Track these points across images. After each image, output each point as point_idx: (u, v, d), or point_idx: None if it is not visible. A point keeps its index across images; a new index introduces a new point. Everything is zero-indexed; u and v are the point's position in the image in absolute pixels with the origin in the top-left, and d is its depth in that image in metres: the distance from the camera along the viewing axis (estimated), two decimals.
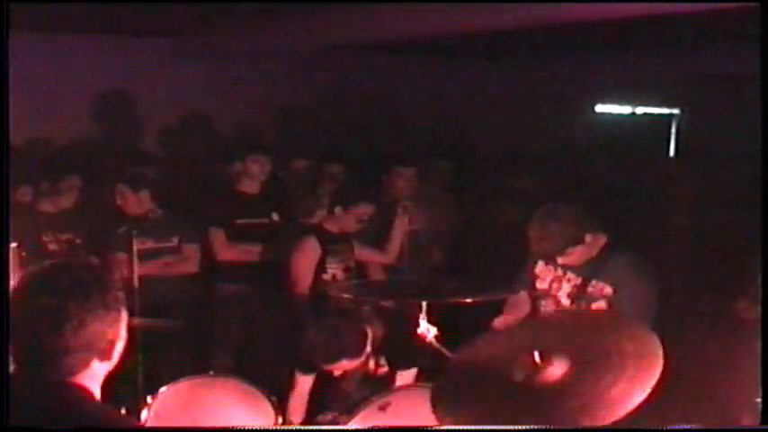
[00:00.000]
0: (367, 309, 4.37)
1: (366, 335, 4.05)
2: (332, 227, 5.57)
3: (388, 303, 5.76)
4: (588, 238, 4.09)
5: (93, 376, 2.26)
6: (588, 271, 4.13)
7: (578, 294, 4.14)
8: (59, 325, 2.15)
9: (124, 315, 2.31)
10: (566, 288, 4.24)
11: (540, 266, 4.35)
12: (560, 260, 4.17)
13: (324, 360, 4.04)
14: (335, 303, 4.55)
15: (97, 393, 2.26)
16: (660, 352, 2.69)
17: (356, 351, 4.01)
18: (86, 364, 2.22)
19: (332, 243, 5.50)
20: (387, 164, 6.61)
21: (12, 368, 2.22)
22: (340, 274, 5.49)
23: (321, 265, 5.44)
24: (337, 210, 5.56)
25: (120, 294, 2.29)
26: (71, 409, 2.18)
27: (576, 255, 4.11)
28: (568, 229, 4.03)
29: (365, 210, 5.59)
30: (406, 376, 4.32)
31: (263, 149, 6.28)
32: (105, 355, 2.25)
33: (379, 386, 4.18)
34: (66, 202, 5.81)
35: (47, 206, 5.78)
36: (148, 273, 5.55)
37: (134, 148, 7.89)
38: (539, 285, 4.36)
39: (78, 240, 5.76)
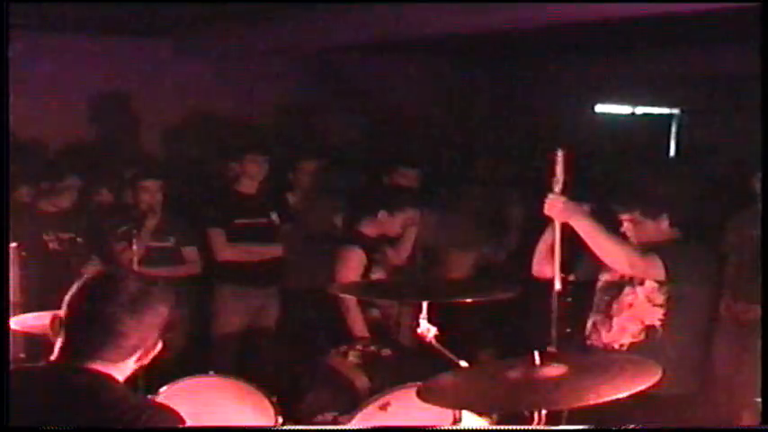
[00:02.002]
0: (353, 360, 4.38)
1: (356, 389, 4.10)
2: (371, 231, 5.46)
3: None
4: (665, 221, 4.07)
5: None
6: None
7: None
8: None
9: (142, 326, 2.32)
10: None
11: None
12: (626, 219, 4.11)
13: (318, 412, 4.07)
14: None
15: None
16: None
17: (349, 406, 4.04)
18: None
19: (375, 250, 5.40)
20: (389, 165, 6.60)
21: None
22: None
23: (366, 273, 5.30)
24: (382, 214, 5.45)
25: (161, 308, 2.36)
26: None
27: (641, 229, 4.06)
28: None
29: (411, 214, 5.53)
30: None
31: (260, 149, 6.28)
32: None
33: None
34: (66, 202, 5.81)
35: (47, 206, 5.78)
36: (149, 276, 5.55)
37: (134, 148, 7.90)
38: (607, 278, 4.22)
39: (79, 239, 5.75)
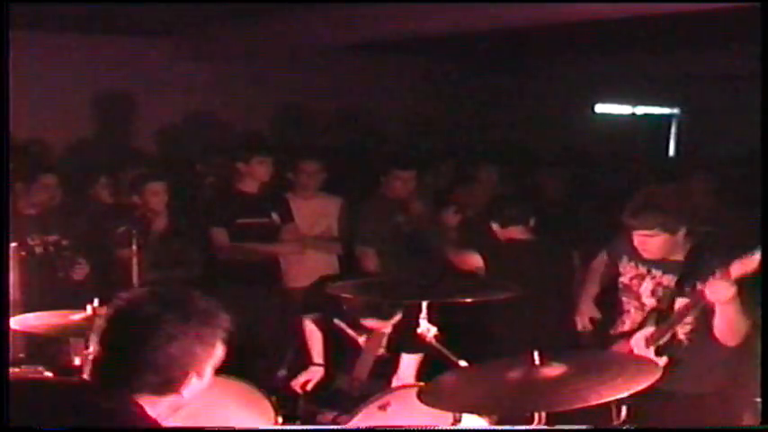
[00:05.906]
0: None
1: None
2: None
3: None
4: (682, 233, 4.03)
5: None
6: (675, 270, 4.07)
7: (664, 289, 4.06)
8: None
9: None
10: (648, 285, 4.16)
11: (624, 262, 4.29)
12: (641, 234, 4.09)
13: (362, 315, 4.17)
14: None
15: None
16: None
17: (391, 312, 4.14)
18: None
19: None
20: (385, 166, 6.58)
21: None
22: None
23: None
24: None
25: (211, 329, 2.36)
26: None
27: (658, 242, 4.04)
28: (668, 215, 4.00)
29: None
30: (409, 361, 4.32)
31: (268, 151, 6.27)
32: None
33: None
34: (46, 202, 5.66)
35: (25, 207, 5.58)
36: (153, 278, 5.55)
37: (133, 149, 7.89)
38: (622, 280, 4.30)
39: (65, 242, 5.63)
